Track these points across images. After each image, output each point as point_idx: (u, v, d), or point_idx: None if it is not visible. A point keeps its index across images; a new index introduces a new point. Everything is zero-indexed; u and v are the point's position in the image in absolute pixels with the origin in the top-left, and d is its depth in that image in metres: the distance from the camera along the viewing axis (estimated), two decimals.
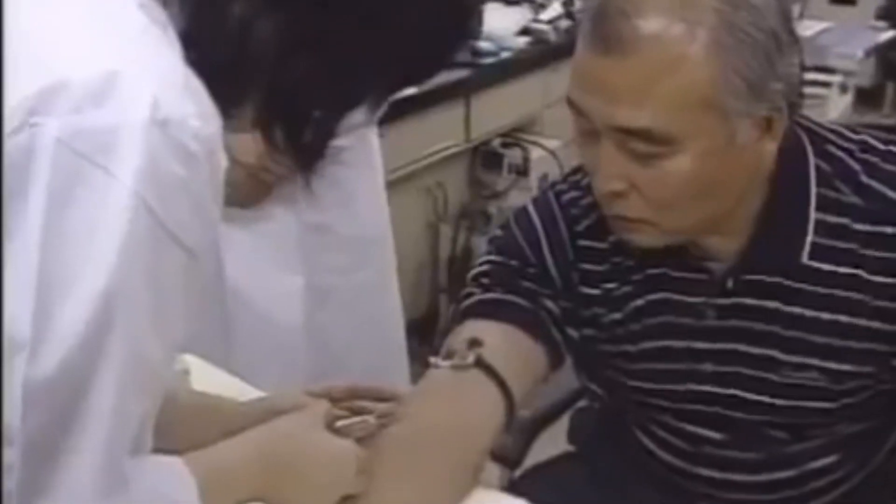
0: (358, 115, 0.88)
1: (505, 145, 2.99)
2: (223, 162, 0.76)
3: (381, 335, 1.75)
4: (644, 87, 0.95)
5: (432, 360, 1.11)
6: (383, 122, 2.39)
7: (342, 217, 1.67)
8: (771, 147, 1.03)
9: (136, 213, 0.70)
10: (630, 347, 1.17)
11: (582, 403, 1.51)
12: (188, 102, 0.72)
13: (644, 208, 1.01)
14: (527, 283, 1.15)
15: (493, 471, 1.54)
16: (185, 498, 0.82)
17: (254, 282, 1.66)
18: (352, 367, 1.67)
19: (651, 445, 1.24)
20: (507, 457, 1.52)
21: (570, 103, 1.01)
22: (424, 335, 2.57)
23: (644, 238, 1.07)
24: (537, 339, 1.14)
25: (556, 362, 1.18)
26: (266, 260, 1.65)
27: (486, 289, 1.16)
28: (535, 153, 2.95)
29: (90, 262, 0.70)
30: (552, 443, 1.54)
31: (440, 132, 2.73)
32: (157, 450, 0.88)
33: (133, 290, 0.72)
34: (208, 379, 1.41)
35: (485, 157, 2.99)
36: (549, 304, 1.15)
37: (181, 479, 0.83)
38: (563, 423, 1.53)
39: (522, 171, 2.94)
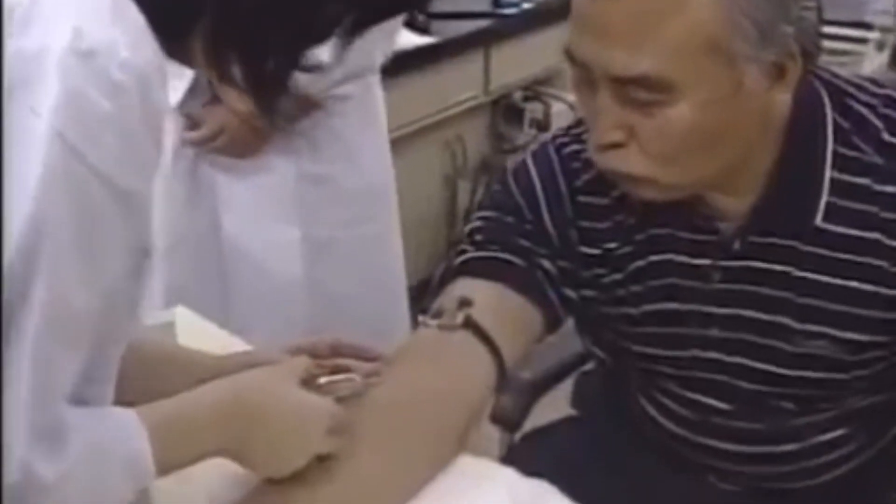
0: (355, 59, 0.81)
1: (526, 99, 2.91)
2: (167, 102, 0.70)
3: (382, 291, 1.70)
4: (643, 29, 0.88)
5: (421, 319, 1.06)
6: (399, 72, 2.35)
7: (343, 169, 1.61)
8: (783, 98, 0.96)
9: (53, 149, 0.66)
10: (632, 310, 1.11)
11: (588, 367, 1.45)
12: (116, 31, 0.67)
13: (644, 163, 0.95)
14: (522, 241, 1.09)
15: (493, 434, 1.49)
16: (135, 448, 0.78)
17: (251, 233, 1.61)
18: (352, 322, 1.62)
19: (654, 413, 1.19)
20: (506, 419, 1.47)
21: (568, 53, 0.95)
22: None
23: (647, 193, 1.00)
24: (532, 300, 1.08)
25: (552, 324, 1.12)
26: (263, 211, 1.61)
27: (480, 246, 1.10)
28: (557, 107, 2.87)
29: (19, 188, 0.66)
30: (555, 406, 1.48)
31: (459, 84, 2.67)
32: (121, 402, 0.85)
33: (56, 227, 0.67)
34: (198, 332, 1.37)
35: (505, 111, 2.92)
36: (546, 263, 1.09)
37: (131, 429, 0.78)
38: (567, 387, 1.48)
39: (543, 125, 2.85)
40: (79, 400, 0.75)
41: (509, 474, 1.02)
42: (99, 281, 0.71)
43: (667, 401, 1.16)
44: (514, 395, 1.46)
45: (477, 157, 2.89)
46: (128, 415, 0.79)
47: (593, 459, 1.28)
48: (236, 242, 1.61)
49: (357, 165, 1.63)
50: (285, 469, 0.90)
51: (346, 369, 1.01)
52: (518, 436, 1.47)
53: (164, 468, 0.82)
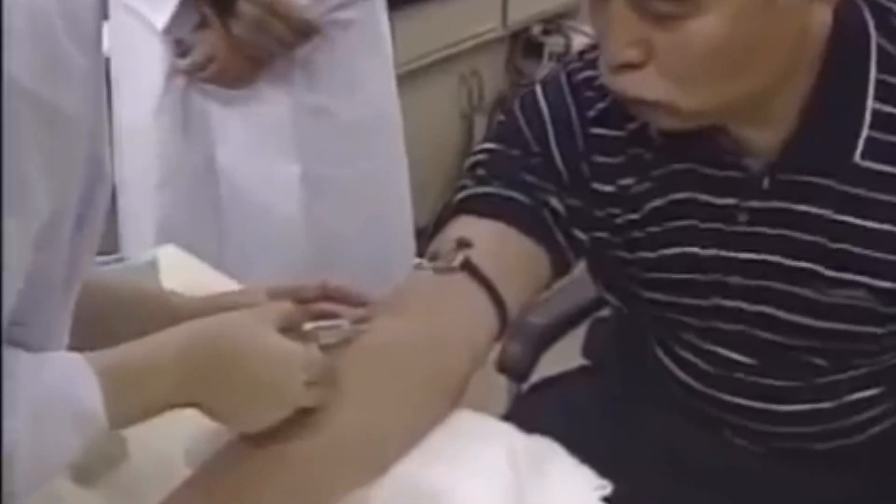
0: None
1: (546, 32, 2.80)
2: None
3: (385, 232, 1.61)
4: None
5: (416, 261, 0.97)
6: (411, 1, 2.24)
7: (343, 101, 1.51)
8: (822, 16, 0.85)
9: None
10: (648, 254, 1.01)
11: (602, 313, 1.36)
12: None
13: (662, 86, 0.85)
14: (528, 176, 0.99)
15: (499, 383, 1.41)
16: (82, 397, 0.70)
17: (247, 169, 1.52)
18: (353, 264, 1.53)
19: (672, 366, 1.10)
20: (513, 368, 1.39)
21: None
22: None
23: (666, 122, 0.90)
24: (538, 241, 0.98)
25: (560, 269, 1.03)
26: (260, 146, 1.51)
27: (481, 181, 1.01)
28: (578, 41, 2.75)
29: None
30: (566, 355, 1.39)
31: (475, 16, 2.57)
32: (76, 348, 0.77)
33: None
34: (188, 274, 1.28)
35: (524, 45, 2.82)
36: (554, 201, 0.99)
37: (76, 375, 0.71)
38: (580, 334, 1.39)
39: None
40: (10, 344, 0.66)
41: (509, 431, 0.94)
42: (22, 204, 0.62)
43: (685, 353, 1.07)
44: (522, 343, 1.38)
45: (494, 93, 2.79)
46: (73, 359, 0.71)
47: (605, 412, 1.20)
48: (232, 178, 1.52)
49: (358, 97, 1.53)
50: (260, 423, 0.81)
51: (333, 315, 0.92)
52: (526, 386, 1.39)
53: (120, 420, 0.74)
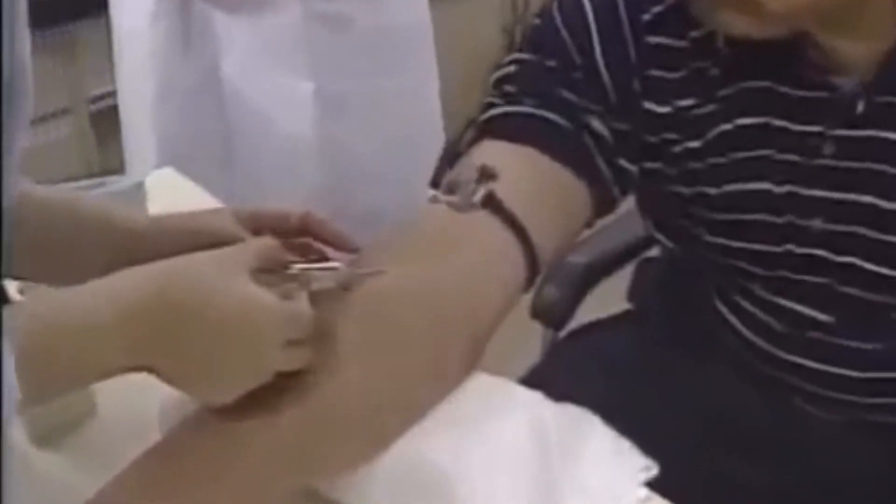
0: None
1: None
2: None
3: (411, 159, 1.44)
4: None
5: (431, 192, 0.81)
6: None
7: (363, 7, 1.33)
8: None
9: None
10: (711, 190, 0.85)
11: (653, 252, 1.20)
12: None
13: None
14: (567, 93, 0.82)
15: (534, 329, 1.26)
16: None
17: (255, 84, 1.36)
18: (373, 192, 1.38)
19: (732, 319, 0.94)
20: (550, 313, 1.23)
21: None
22: None
23: (739, 25, 0.73)
24: (577, 172, 0.82)
25: (603, 205, 0.86)
26: (268, 59, 1.35)
27: (511, 99, 0.84)
28: None
29: None
30: (610, 299, 1.23)
31: None
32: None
33: None
34: (183, 201, 1.14)
35: None
36: (597, 123, 0.82)
37: None
38: (626, 275, 1.23)
39: None
40: None
41: (535, 400, 0.78)
42: None
43: (749, 306, 0.91)
44: (560, 285, 1.23)
45: (538, 4, 2.59)
46: None
47: (649, 365, 1.04)
48: (237, 95, 1.36)
49: (381, 3, 1.35)
50: (228, 393, 0.66)
51: (323, 256, 0.77)
52: (563, 333, 1.24)
53: (45, 387, 0.61)
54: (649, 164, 0.86)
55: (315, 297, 0.72)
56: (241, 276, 0.65)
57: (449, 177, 0.81)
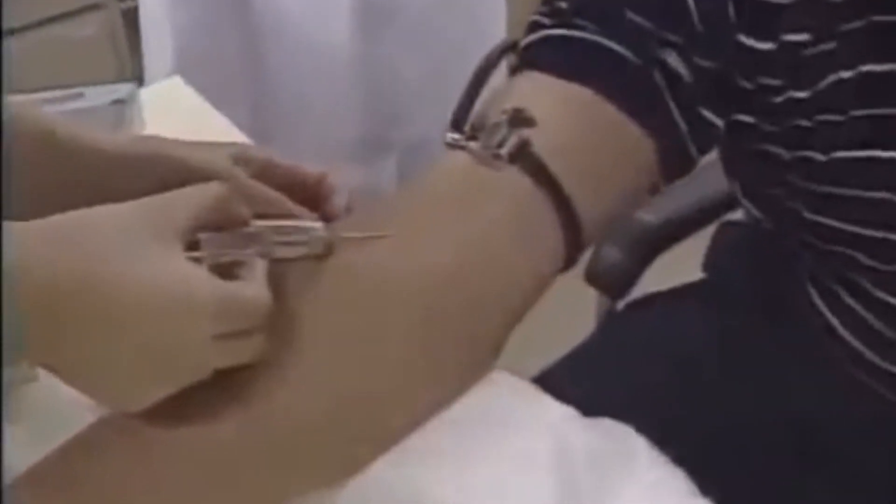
0: None
1: None
2: None
3: (464, 79, 1.25)
4: None
5: (449, 136, 0.62)
6: None
7: None
8: None
9: None
10: (818, 155, 0.65)
11: (737, 215, 1.01)
12: None
13: None
14: (636, 17, 0.62)
15: (588, 296, 1.07)
16: None
17: None
18: (416, 117, 1.19)
19: (830, 318, 0.75)
20: (608, 279, 1.05)
21: None
22: None
23: None
24: (642, 122, 0.62)
25: (675, 165, 0.67)
26: None
27: (563, 20, 0.64)
28: None
29: None
30: (682, 265, 1.05)
31: None
32: None
33: None
34: (184, 118, 0.98)
35: None
36: (674, 59, 0.62)
37: None
38: (702, 240, 1.03)
39: None
40: None
41: (565, 416, 0.60)
42: None
43: (854, 304, 0.72)
44: (623, 246, 1.04)
45: None
46: None
47: (724, 353, 0.86)
48: (267, 2, 1.18)
49: None
50: (134, 399, 0.50)
51: (288, 214, 0.60)
52: (623, 303, 1.05)
53: None
54: (740, 117, 0.66)
55: (280, 270, 0.55)
56: (163, 243, 0.48)
57: (474, 116, 0.62)
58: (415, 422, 0.56)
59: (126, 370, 0.48)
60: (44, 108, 0.87)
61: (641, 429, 0.62)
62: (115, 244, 0.47)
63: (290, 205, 0.60)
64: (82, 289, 0.46)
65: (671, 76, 0.62)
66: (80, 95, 0.87)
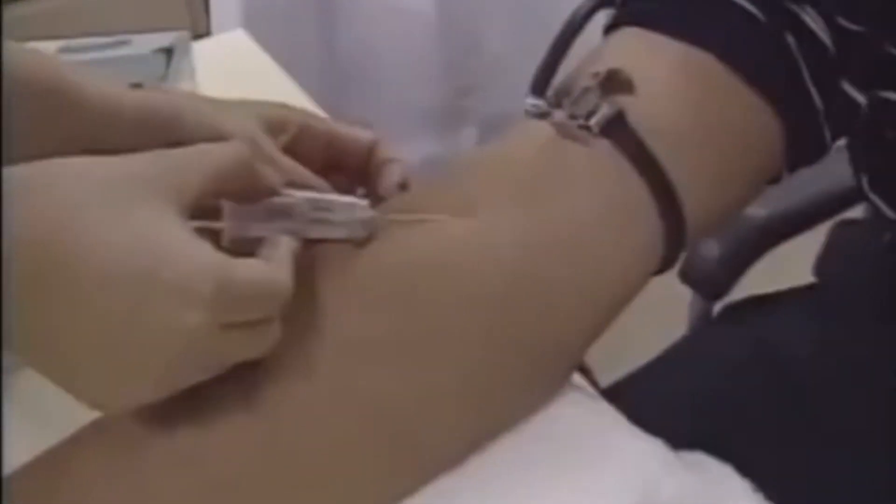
0: None
1: None
2: None
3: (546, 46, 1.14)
4: None
5: (529, 102, 0.52)
6: None
7: None
8: None
9: None
10: None
11: (853, 213, 0.88)
12: None
13: None
14: None
15: (681, 296, 0.96)
16: None
17: None
18: (498, 86, 1.09)
19: None
20: (704, 278, 0.93)
21: None
22: None
23: None
24: (768, 95, 0.51)
25: (804, 149, 0.55)
26: None
27: None
28: None
29: None
30: (790, 267, 0.93)
31: None
32: None
33: None
34: (241, 74, 0.89)
35: None
36: (810, 17, 0.51)
37: None
38: (814, 238, 0.90)
39: None
40: None
41: (650, 451, 0.49)
42: None
43: None
44: (724, 241, 0.93)
45: None
46: None
47: (830, 364, 0.74)
48: None
49: None
50: (114, 395, 0.40)
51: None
52: (720, 304, 0.94)
53: None
54: (887, 94, 0.54)
55: (312, 253, 0.45)
56: (157, 205, 0.39)
57: (560, 80, 0.52)
58: (469, 447, 0.46)
59: (95, 356, 0.38)
60: (89, 54, 0.79)
61: (741, 465, 0.51)
62: (96, 195, 0.38)
63: (322, 184, 0.50)
64: (49, 241, 0.37)
65: (808, 40, 0.50)
66: (126, 43, 0.79)
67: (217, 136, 0.46)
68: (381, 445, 0.44)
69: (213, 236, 0.42)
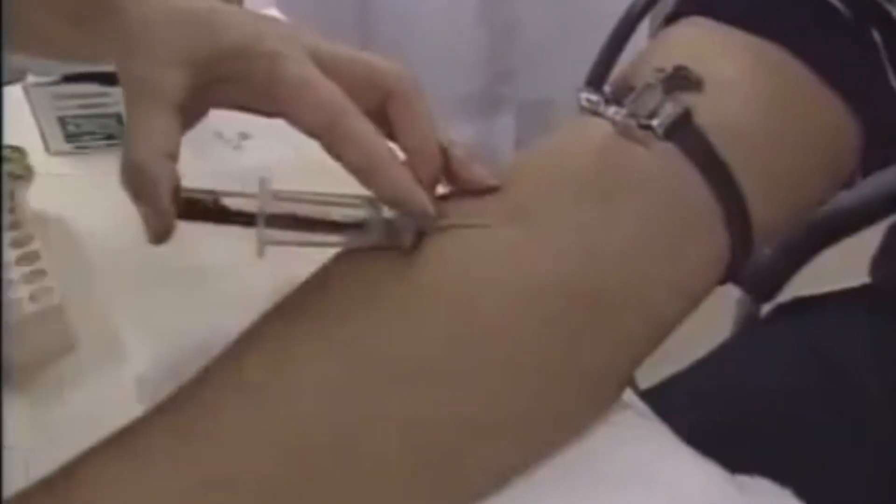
0: None
1: None
2: None
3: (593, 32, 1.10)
4: None
5: (583, 96, 0.48)
6: None
7: None
8: None
9: None
10: None
11: None
12: None
13: None
14: None
15: (728, 295, 0.92)
16: None
17: None
18: (539, 72, 1.05)
19: None
20: (756, 275, 0.90)
21: None
22: None
23: None
24: (848, 95, 0.47)
25: (884, 152, 0.51)
26: None
27: None
28: None
29: None
30: (845, 267, 0.89)
31: None
32: None
33: None
34: None
35: None
36: None
37: None
38: (869, 238, 0.86)
39: None
40: None
41: (710, 478, 0.46)
42: None
43: None
44: (776, 239, 0.88)
45: None
46: None
47: (887, 369, 0.71)
48: None
49: None
50: None
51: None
52: (770, 306, 0.90)
53: None
54: None
55: (349, 264, 0.42)
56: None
57: (619, 75, 0.48)
58: (508, 476, 0.42)
59: None
60: None
61: (795, 477, 0.47)
62: None
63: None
64: None
65: (895, 35, 0.46)
66: None
67: None
68: (413, 472, 0.41)
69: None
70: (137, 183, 0.40)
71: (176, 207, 0.41)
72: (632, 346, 0.44)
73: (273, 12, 0.93)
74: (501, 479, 0.42)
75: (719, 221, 0.45)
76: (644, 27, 0.55)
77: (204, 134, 0.70)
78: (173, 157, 0.41)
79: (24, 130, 0.77)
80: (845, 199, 0.90)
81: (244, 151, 0.77)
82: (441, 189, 0.47)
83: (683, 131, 0.44)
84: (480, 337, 0.41)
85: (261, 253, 0.40)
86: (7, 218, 0.56)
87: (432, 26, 1.08)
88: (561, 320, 0.42)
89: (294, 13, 0.90)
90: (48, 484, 0.39)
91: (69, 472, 0.39)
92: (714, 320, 0.91)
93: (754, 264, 0.88)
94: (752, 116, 0.45)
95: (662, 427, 0.48)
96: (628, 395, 0.49)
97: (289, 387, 0.40)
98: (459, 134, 1.18)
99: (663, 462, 0.46)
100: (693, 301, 0.46)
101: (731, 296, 0.91)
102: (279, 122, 0.45)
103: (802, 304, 0.86)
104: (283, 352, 0.41)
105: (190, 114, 0.44)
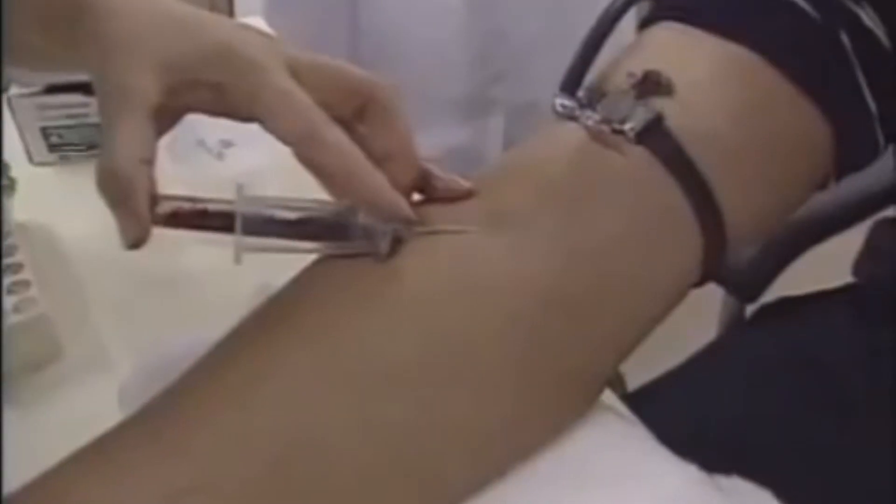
0: None
1: None
2: None
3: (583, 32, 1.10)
4: None
5: (557, 101, 0.48)
6: None
7: None
8: None
9: None
10: None
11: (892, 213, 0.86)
12: None
13: None
14: None
15: (713, 295, 0.92)
16: None
17: None
18: (527, 74, 1.05)
19: None
20: (741, 276, 0.90)
21: None
22: None
23: None
24: (819, 101, 0.47)
25: (857, 155, 0.51)
26: None
27: None
28: None
29: None
30: (828, 266, 0.89)
31: None
32: None
33: None
34: None
35: None
36: (867, 13, 0.47)
37: None
38: (852, 238, 0.87)
39: None
40: None
41: (686, 478, 0.46)
42: None
43: None
44: (759, 243, 0.89)
45: None
46: None
47: (870, 369, 0.71)
48: None
49: None
50: None
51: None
52: (754, 307, 0.90)
53: None
54: None
55: (327, 272, 0.42)
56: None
57: (593, 78, 0.48)
58: (485, 477, 0.43)
59: None
60: None
61: (779, 479, 0.47)
62: None
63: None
64: None
65: (863, 38, 0.47)
66: None
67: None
68: (392, 477, 0.41)
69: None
70: (114, 189, 0.40)
71: (155, 215, 0.41)
72: (609, 348, 0.45)
73: (259, 22, 0.93)
74: (481, 483, 0.43)
75: (692, 223, 0.45)
76: (631, 29, 0.56)
77: (186, 142, 0.70)
78: (150, 162, 0.42)
79: (6, 141, 0.77)
80: (827, 199, 0.91)
81: (226, 160, 0.77)
82: (415, 196, 0.48)
83: (655, 135, 0.44)
84: (458, 341, 0.41)
85: (238, 259, 0.41)
86: None
87: (421, 30, 1.08)
88: (538, 323, 0.43)
89: (283, 21, 0.91)
90: (24, 494, 0.39)
91: (43, 483, 0.39)
92: (699, 321, 0.92)
93: (738, 265, 0.88)
94: (723, 120, 0.45)
95: (642, 429, 0.48)
96: (609, 397, 0.50)
97: (267, 394, 0.40)
98: (450, 136, 1.19)
99: (642, 463, 0.46)
100: (669, 302, 0.47)
101: (716, 297, 0.92)
102: (262, 131, 0.46)
103: (787, 305, 0.87)
104: (261, 359, 0.41)
105: (165, 118, 0.44)
